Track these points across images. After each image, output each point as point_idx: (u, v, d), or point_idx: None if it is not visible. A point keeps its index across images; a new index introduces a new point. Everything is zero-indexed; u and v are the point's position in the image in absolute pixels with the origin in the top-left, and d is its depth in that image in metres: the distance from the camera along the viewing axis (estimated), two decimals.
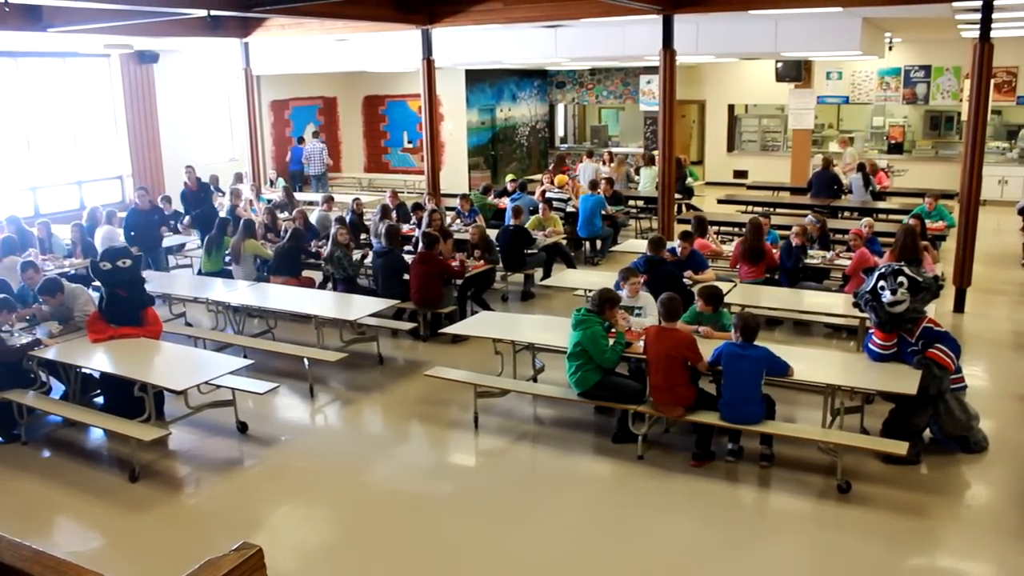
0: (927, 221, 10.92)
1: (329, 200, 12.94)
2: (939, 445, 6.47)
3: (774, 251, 9.82)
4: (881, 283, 6.31)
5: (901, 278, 6.26)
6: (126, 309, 7.45)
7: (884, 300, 6.24)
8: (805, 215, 11.01)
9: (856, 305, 6.71)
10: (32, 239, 11.12)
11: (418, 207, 12.35)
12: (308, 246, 10.69)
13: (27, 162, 15.20)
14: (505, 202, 13.21)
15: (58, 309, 7.62)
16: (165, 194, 13.75)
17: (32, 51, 14.78)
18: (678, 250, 9.13)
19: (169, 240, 12.38)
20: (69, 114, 15.86)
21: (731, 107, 21.42)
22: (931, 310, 6.90)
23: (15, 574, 1.48)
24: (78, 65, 15.89)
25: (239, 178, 15.44)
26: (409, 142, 21.85)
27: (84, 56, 15.80)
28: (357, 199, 12.84)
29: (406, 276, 9.54)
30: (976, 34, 9.58)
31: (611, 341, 6.55)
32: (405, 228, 11.63)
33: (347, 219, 11.62)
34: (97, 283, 7.75)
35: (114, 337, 7.30)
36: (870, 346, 6.48)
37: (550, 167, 17.87)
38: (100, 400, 7.51)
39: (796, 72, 18.23)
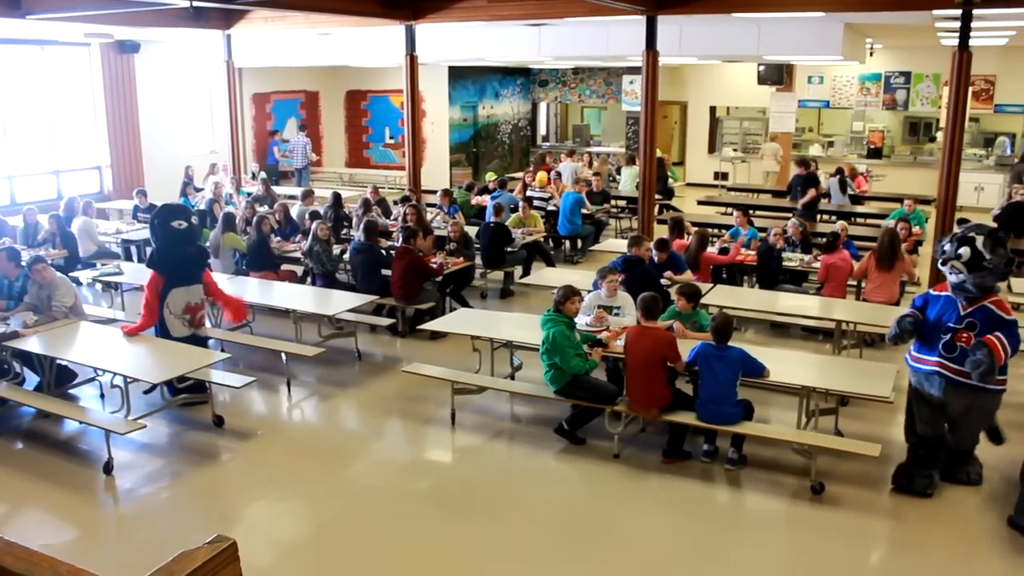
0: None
1: (309, 195, 12.85)
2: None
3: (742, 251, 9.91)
4: (947, 245, 5.48)
5: (964, 248, 5.35)
6: (193, 267, 7.44)
7: (938, 264, 5.52)
8: (783, 218, 11.09)
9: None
10: (7, 228, 11.00)
11: (406, 200, 12.28)
12: (288, 242, 10.63)
13: (4, 150, 15.02)
14: (486, 199, 13.21)
15: (37, 295, 7.54)
16: (141, 187, 13.60)
17: (10, 38, 14.59)
18: (655, 258, 9.00)
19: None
20: (47, 103, 15.67)
21: (713, 109, 21.52)
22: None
23: None
24: (57, 53, 15.70)
25: (212, 169, 15.33)
26: (391, 138, 21.77)
27: (64, 44, 15.60)
28: (336, 193, 12.77)
29: (385, 271, 9.52)
30: (956, 42, 9.68)
31: (578, 339, 6.58)
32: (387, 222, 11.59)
33: (328, 213, 11.57)
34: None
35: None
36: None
37: (531, 167, 17.88)
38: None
39: (778, 75, 18.35)
